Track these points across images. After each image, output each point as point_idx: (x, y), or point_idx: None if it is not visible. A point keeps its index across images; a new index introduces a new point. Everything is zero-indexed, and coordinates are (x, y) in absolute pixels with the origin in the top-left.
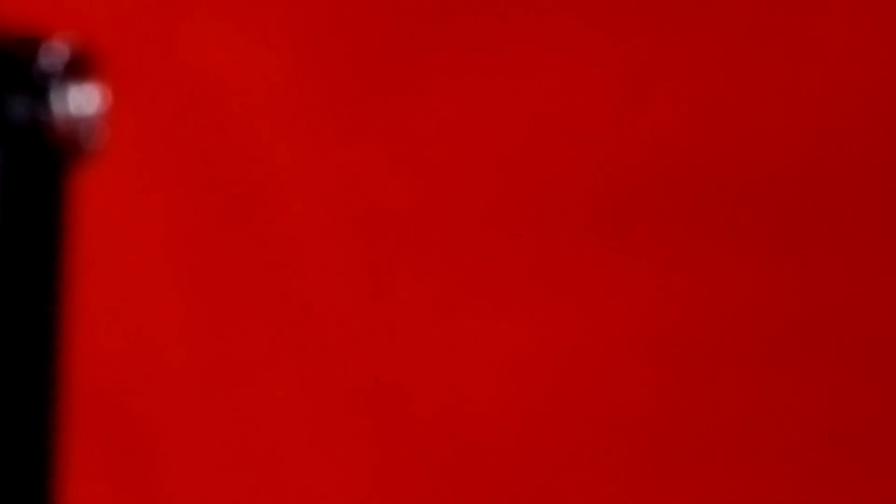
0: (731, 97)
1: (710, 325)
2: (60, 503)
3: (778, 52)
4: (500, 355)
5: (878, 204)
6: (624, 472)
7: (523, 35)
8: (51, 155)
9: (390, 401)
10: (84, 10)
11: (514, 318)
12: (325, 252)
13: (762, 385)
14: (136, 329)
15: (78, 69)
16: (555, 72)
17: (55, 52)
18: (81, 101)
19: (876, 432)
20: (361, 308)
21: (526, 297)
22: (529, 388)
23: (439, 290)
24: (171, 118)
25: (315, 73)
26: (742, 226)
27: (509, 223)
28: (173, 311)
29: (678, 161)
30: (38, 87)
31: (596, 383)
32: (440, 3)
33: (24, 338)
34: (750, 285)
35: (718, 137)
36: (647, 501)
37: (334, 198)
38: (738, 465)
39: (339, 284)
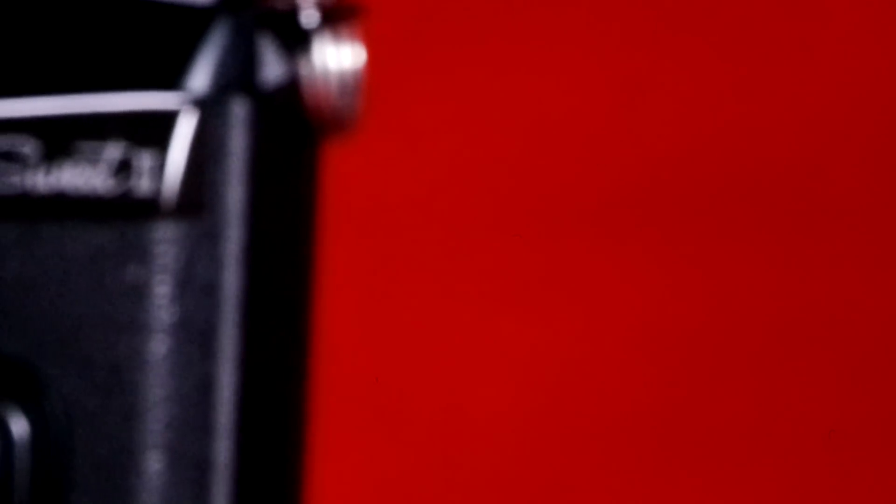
0: (732, 97)
1: (711, 325)
2: None
3: (778, 52)
4: (500, 355)
5: (878, 204)
6: (624, 472)
7: (523, 35)
8: (307, 121)
9: (390, 401)
10: None
11: (514, 317)
12: (324, 251)
13: (762, 385)
14: None
15: (337, 24)
16: (555, 72)
17: (314, 4)
18: (341, 60)
19: (876, 432)
20: (361, 308)
21: (526, 297)
22: (529, 387)
23: (439, 290)
24: None
25: None
26: (742, 225)
27: (509, 223)
28: None
29: (678, 161)
30: (298, 42)
31: (596, 383)
32: (440, 3)
33: (274, 323)
34: (750, 285)
35: (718, 137)
36: (647, 501)
37: (333, 196)
38: (738, 465)
39: (339, 284)
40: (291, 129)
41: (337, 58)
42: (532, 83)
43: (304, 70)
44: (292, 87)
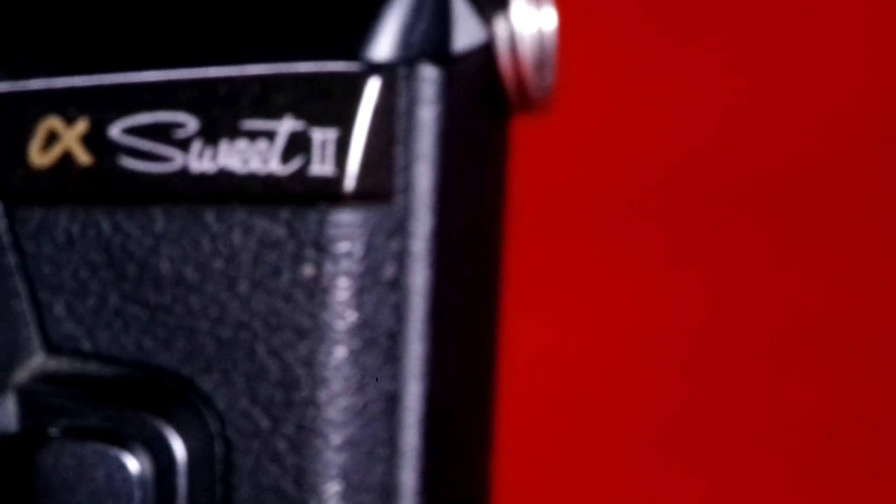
0: (732, 97)
1: (711, 325)
2: None
3: (778, 52)
4: (499, 354)
5: (878, 204)
6: (623, 471)
7: None
8: (500, 94)
9: None
10: None
11: (515, 317)
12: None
13: (762, 385)
14: None
15: None
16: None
17: None
18: (538, 23)
19: (876, 432)
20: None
21: (526, 296)
22: (529, 386)
23: None
24: None
25: None
26: (742, 225)
27: (510, 223)
28: None
29: (678, 161)
30: (493, 1)
31: (596, 383)
32: None
33: (462, 326)
34: (750, 285)
35: (718, 137)
36: (647, 501)
37: None
38: (738, 465)
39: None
40: (483, 103)
41: (534, 21)
42: None
43: (499, 33)
44: (486, 54)
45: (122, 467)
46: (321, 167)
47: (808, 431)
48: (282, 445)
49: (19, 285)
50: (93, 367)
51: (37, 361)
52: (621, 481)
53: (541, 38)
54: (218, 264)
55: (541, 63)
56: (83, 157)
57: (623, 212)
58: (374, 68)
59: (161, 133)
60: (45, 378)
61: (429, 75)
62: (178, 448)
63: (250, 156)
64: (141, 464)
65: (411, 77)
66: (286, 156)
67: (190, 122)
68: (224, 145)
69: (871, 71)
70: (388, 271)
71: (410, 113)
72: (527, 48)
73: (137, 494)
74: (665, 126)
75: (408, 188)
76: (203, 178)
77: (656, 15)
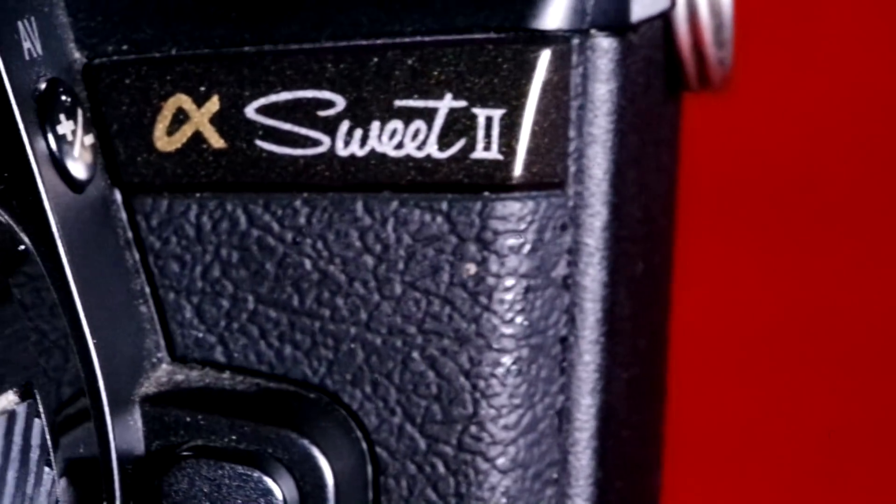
0: (732, 96)
1: (711, 325)
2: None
3: (778, 52)
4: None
5: (878, 204)
6: None
7: None
8: (677, 68)
9: None
10: None
11: None
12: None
13: (762, 385)
14: None
15: None
16: None
17: None
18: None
19: (876, 432)
20: None
21: None
22: None
23: None
24: None
25: None
26: (743, 225)
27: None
28: None
29: (680, 160)
30: None
31: None
32: None
33: (637, 330)
34: (751, 285)
35: (719, 137)
36: None
37: None
38: (739, 465)
39: None
40: (658, 80)
41: None
42: None
43: (678, 1)
44: (662, 25)
45: (267, 493)
46: (485, 151)
47: (808, 431)
48: (440, 468)
49: (143, 286)
50: (226, 379)
51: (163, 372)
52: None
53: (719, 8)
54: (368, 262)
55: (719, 35)
56: (215, 139)
57: None
58: (545, 39)
59: (303, 113)
60: (174, 391)
61: (605, 47)
62: (326, 470)
63: (405, 138)
64: (285, 489)
65: (585, 49)
66: (445, 138)
67: (336, 101)
68: (375, 127)
69: (872, 71)
70: (559, 269)
71: (585, 89)
72: (706, 18)
73: None
74: None
75: (581, 175)
76: (351, 163)
77: None
